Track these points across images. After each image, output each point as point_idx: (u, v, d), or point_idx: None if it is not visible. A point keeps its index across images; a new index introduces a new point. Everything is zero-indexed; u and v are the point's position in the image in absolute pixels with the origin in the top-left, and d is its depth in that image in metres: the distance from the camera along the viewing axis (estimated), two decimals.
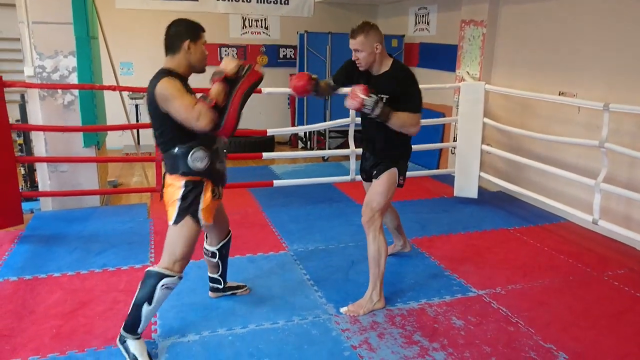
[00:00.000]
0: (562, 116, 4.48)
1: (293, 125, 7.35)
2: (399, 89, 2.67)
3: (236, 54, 7.35)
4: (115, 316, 2.73)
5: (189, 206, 2.28)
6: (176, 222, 2.28)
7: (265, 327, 2.68)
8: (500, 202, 4.92)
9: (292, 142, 7.70)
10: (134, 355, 2.29)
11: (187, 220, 2.28)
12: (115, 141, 6.65)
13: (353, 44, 2.69)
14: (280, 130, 5.09)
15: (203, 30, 2.33)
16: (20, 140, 4.55)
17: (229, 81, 2.23)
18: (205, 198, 2.31)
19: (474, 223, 4.34)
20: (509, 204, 4.89)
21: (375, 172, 2.88)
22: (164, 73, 2.22)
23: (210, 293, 2.96)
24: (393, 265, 3.46)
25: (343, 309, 2.85)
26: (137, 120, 6.76)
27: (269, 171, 6.02)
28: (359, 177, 3.34)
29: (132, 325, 2.29)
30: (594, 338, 2.66)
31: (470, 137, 4.80)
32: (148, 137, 4.29)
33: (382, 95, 2.62)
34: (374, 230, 2.81)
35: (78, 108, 4.28)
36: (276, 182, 4.63)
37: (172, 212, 2.28)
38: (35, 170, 4.75)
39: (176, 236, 2.30)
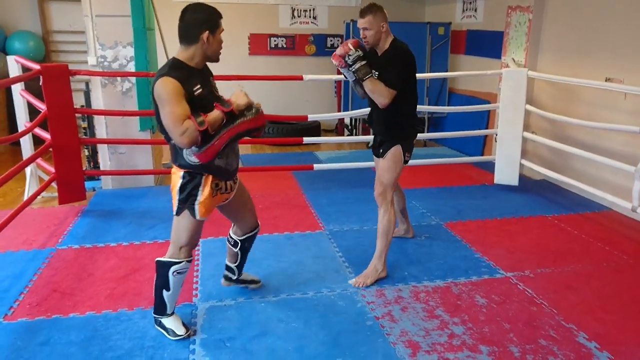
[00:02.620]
0: (608, 103, 4.39)
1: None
2: (387, 63, 2.86)
3: (285, 43, 7.56)
4: None
5: (186, 198, 2.27)
6: (177, 213, 2.31)
7: (296, 297, 2.87)
8: (542, 191, 4.88)
9: (339, 130, 7.85)
10: (171, 329, 2.44)
11: (186, 213, 2.29)
12: None
13: (362, 22, 2.89)
14: (323, 116, 5.23)
15: (221, 17, 2.20)
16: (84, 125, 4.97)
17: (230, 115, 2.15)
18: (204, 192, 2.26)
19: (512, 210, 4.34)
20: (551, 192, 4.84)
21: (381, 150, 3.05)
22: (168, 68, 2.13)
23: (222, 281, 2.92)
24: (423, 246, 3.58)
25: (351, 281, 3.05)
26: None
27: (313, 157, 6.21)
28: None
29: (160, 308, 2.44)
30: (618, 322, 2.67)
31: (512, 124, 4.78)
32: None
33: (375, 72, 2.83)
34: (386, 204, 3.05)
35: (135, 95, 4.63)
36: (316, 166, 4.81)
37: (174, 202, 2.31)
38: (97, 152, 5.17)
39: (179, 227, 2.34)
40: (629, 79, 4.16)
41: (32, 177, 4.47)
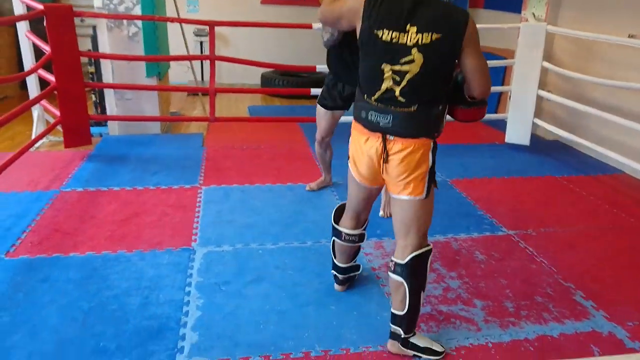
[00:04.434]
0: (630, 61, 4.20)
1: None
2: None
3: None
4: (162, 226, 3.03)
5: (434, 174, 1.95)
6: (427, 195, 1.93)
7: (294, 246, 2.88)
8: (554, 151, 4.77)
9: None
10: (426, 347, 2.04)
11: (433, 191, 1.97)
12: (180, 76, 6.96)
13: None
14: None
15: None
16: (92, 70, 4.91)
17: None
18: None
19: (520, 169, 4.26)
20: (563, 153, 4.73)
21: None
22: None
23: (337, 286, 2.48)
24: None
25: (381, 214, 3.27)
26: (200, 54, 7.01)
27: None
28: None
29: (413, 322, 2.03)
30: (616, 282, 2.64)
31: (526, 81, 4.63)
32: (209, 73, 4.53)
33: None
34: None
35: (142, 40, 4.54)
36: None
37: (422, 184, 1.91)
38: (104, 99, 5.14)
39: (426, 210, 1.97)
40: None
41: (39, 121, 4.47)
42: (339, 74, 3.14)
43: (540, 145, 4.89)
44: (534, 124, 4.72)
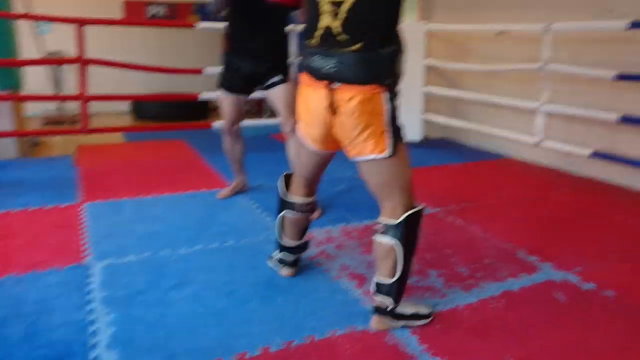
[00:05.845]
0: (502, 55, 4.49)
1: None
2: None
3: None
4: (37, 247, 2.41)
5: (398, 127, 1.67)
6: (394, 152, 1.65)
7: (214, 247, 2.47)
8: (445, 145, 4.93)
9: None
10: (413, 313, 1.83)
11: (401, 147, 1.70)
12: (37, 107, 6.08)
13: None
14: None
15: None
16: None
17: None
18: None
19: (419, 160, 4.23)
20: (453, 146, 4.91)
21: (273, 80, 2.80)
22: None
23: (286, 271, 2.17)
24: (346, 192, 3.34)
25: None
26: (59, 89, 6.23)
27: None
28: None
29: (402, 291, 1.80)
30: (546, 239, 2.66)
31: (412, 79, 4.75)
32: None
33: None
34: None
35: None
36: (215, 124, 4.32)
37: (382, 140, 1.64)
38: None
39: (399, 169, 1.70)
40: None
41: None
42: (236, 47, 2.82)
43: (430, 141, 5.02)
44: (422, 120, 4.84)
